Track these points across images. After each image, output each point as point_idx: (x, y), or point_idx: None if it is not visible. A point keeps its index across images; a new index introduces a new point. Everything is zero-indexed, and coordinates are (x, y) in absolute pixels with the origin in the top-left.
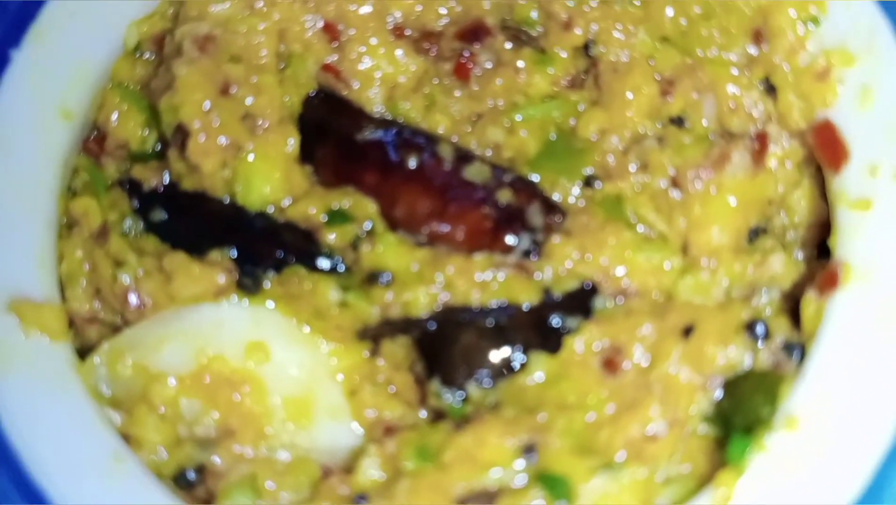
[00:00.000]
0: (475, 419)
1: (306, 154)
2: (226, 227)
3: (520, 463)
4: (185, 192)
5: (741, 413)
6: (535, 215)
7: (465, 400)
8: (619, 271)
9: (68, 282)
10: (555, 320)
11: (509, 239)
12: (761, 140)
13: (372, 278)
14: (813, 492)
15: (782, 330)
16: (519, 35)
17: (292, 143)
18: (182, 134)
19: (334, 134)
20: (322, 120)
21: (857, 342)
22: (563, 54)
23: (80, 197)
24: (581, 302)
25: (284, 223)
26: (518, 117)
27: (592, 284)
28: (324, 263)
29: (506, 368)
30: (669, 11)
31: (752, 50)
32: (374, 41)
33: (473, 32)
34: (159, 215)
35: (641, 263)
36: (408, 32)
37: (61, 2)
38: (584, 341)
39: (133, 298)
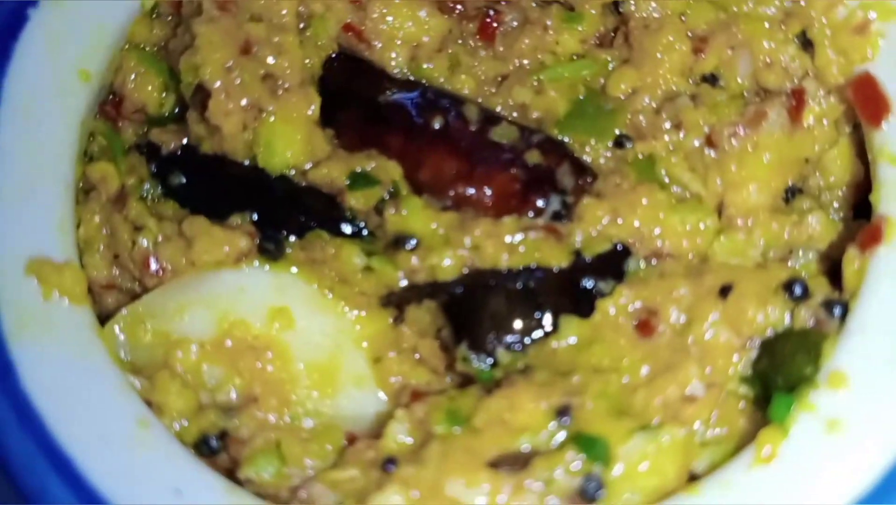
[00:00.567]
0: (506, 383)
1: (328, 117)
2: (246, 190)
3: (553, 426)
4: (205, 155)
5: (783, 373)
6: (565, 177)
7: (494, 365)
8: (653, 233)
9: (86, 248)
10: (587, 283)
11: (539, 201)
12: (798, 97)
13: (397, 243)
14: (857, 449)
15: (822, 289)
16: None
17: (314, 106)
18: (202, 94)
19: (356, 97)
20: (343, 83)
21: None
22: (593, 11)
23: (98, 162)
24: (613, 265)
25: (306, 187)
26: (546, 77)
27: (625, 247)
28: (347, 228)
29: (536, 332)
30: None
31: (788, 3)
32: (397, 0)
33: None
34: (178, 179)
35: (675, 224)
36: None
37: None
38: (616, 305)
39: (153, 264)
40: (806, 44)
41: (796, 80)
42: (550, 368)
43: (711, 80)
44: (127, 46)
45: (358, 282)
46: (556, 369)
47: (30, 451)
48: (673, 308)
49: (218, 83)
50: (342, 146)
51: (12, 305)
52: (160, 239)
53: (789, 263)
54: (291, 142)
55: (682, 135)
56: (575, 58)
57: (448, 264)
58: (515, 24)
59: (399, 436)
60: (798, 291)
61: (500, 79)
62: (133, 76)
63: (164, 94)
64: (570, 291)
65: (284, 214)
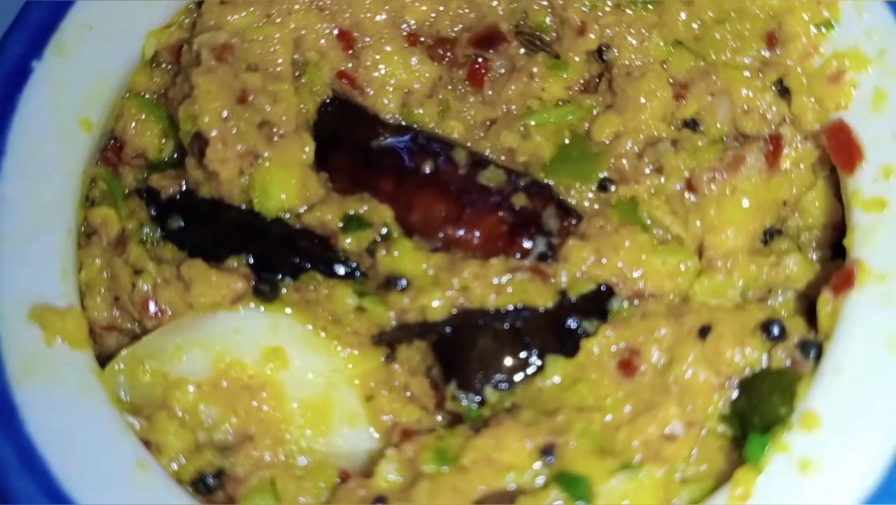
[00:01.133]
0: (493, 422)
1: (322, 161)
2: (243, 234)
3: (538, 465)
4: (203, 200)
5: (758, 412)
6: (550, 219)
7: (482, 404)
8: (635, 274)
9: (87, 291)
10: (572, 323)
11: (525, 243)
12: (775, 142)
13: (388, 284)
14: (829, 489)
15: (798, 330)
16: (533, 40)
17: (308, 150)
18: (200, 142)
19: (350, 141)
20: (337, 127)
21: (874, 340)
22: (577, 59)
23: (99, 206)
24: (597, 304)
25: (301, 229)
26: (532, 122)
27: (608, 287)
28: (340, 269)
29: (523, 372)
30: (683, 16)
31: (766, 53)
32: (388, 48)
33: (488, 38)
34: (177, 223)
35: (657, 265)
36: (422, 39)
37: (81, 14)
38: (600, 345)
39: (152, 306)
40: (783, 91)
41: (774, 126)
42: (536, 406)
43: (692, 125)
44: (128, 94)
45: (350, 322)
46: (541, 408)
47: (32, 493)
48: (654, 348)
49: (215, 132)
50: (336, 189)
51: (16, 349)
52: (159, 282)
53: (768, 303)
54: (286, 186)
55: (663, 179)
56: (560, 103)
57: (437, 305)
58: (503, 70)
59: (389, 475)
60: (776, 331)
61: (488, 123)
62: (133, 123)
63: (163, 140)
64: (555, 331)
65: (279, 257)
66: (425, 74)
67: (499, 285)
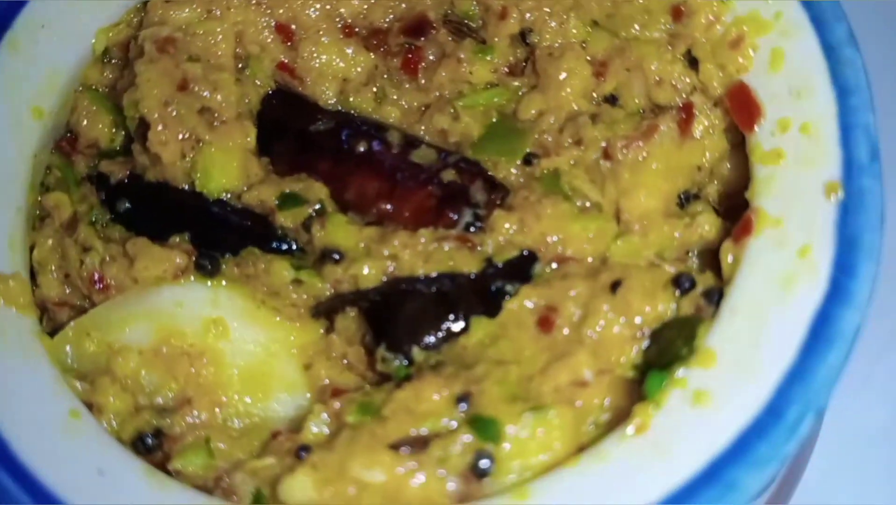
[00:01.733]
0: (416, 377)
1: (264, 148)
2: (186, 213)
3: (454, 413)
4: (149, 183)
5: (662, 356)
6: (478, 193)
7: (410, 364)
8: (556, 239)
9: (40, 269)
10: (496, 287)
11: (453, 215)
12: (687, 110)
13: (323, 257)
14: (719, 418)
15: (708, 282)
16: (460, 27)
17: (250, 138)
18: (143, 126)
19: (290, 128)
20: (279, 116)
21: (769, 280)
22: (501, 43)
23: (52, 192)
24: (521, 269)
25: (241, 209)
26: (462, 105)
27: (531, 252)
28: (277, 245)
29: (448, 333)
30: None
31: (673, 27)
32: (325, 40)
33: (418, 27)
34: (124, 205)
35: (577, 231)
36: (357, 31)
37: (34, 13)
38: (520, 304)
39: (98, 280)
40: (691, 62)
41: (685, 95)
42: (459, 362)
43: (611, 100)
44: (80, 88)
45: (288, 294)
46: (463, 363)
47: None
48: (571, 305)
49: (156, 115)
50: (276, 173)
51: None
52: (106, 259)
53: (684, 263)
54: (227, 169)
55: (581, 150)
56: (489, 86)
57: (368, 273)
58: (434, 58)
59: (315, 428)
60: (686, 284)
61: (423, 108)
62: (86, 115)
63: (114, 131)
64: (480, 295)
65: (220, 234)
66: (361, 64)
67: (426, 253)
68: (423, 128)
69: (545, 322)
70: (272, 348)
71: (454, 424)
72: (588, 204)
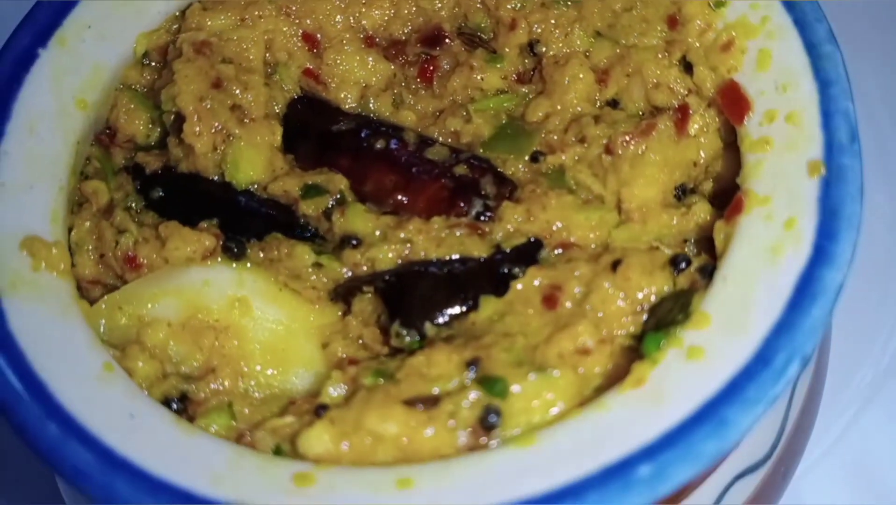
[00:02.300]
0: (427, 346)
1: (289, 147)
2: (215, 201)
3: (463, 376)
4: (181, 174)
5: (660, 323)
6: (488, 185)
7: (423, 339)
8: (561, 227)
9: (77, 249)
10: (504, 270)
11: (464, 205)
12: (683, 111)
13: (343, 242)
14: (711, 369)
15: (702, 261)
16: (473, 39)
17: (276, 136)
18: (179, 120)
19: (314, 129)
20: (304, 119)
21: (757, 250)
22: (511, 52)
23: (91, 180)
24: (528, 254)
25: (266, 198)
26: (473, 109)
27: (537, 239)
28: (300, 232)
29: (459, 308)
30: (597, 9)
31: (669, 34)
32: (348, 49)
33: (433, 38)
34: (157, 193)
35: (581, 220)
36: (377, 41)
37: (82, 14)
38: (527, 283)
39: (131, 260)
40: (687, 66)
41: (681, 97)
42: (468, 335)
43: (613, 104)
44: (121, 87)
45: (308, 277)
46: (472, 336)
47: (7, 376)
48: (574, 284)
49: (191, 108)
50: (300, 168)
51: (6, 269)
52: (140, 240)
53: (681, 249)
54: (255, 162)
55: (585, 147)
56: (499, 93)
57: (384, 256)
58: (448, 66)
59: (332, 391)
60: (682, 264)
61: (437, 113)
62: (125, 112)
63: (150, 127)
64: (490, 277)
65: (246, 221)
66: (381, 72)
67: (439, 238)
68: (437, 130)
69: (550, 299)
70: (292, 327)
71: (464, 384)
72: (591, 196)
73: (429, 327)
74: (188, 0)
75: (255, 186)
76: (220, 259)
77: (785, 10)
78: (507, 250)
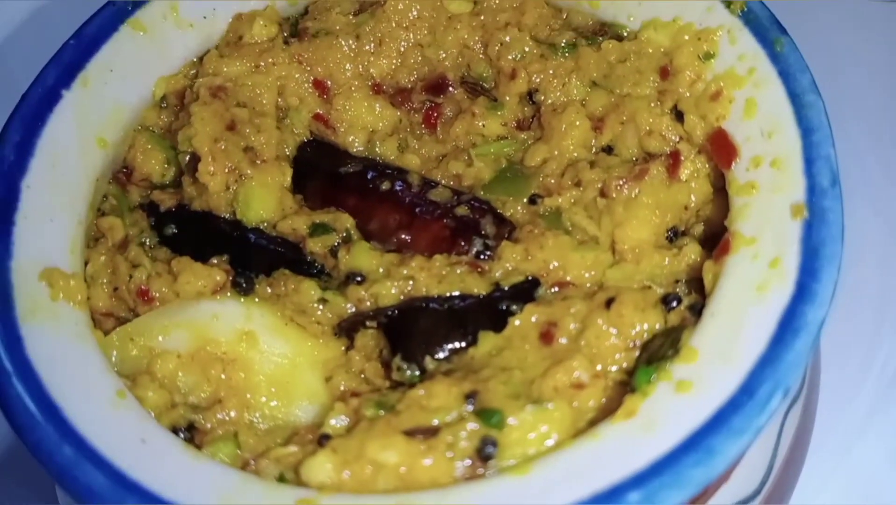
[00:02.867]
0: (427, 379)
1: (298, 188)
2: (225, 238)
3: (462, 408)
4: (194, 212)
5: (651, 358)
6: (487, 226)
7: (423, 373)
8: (557, 266)
9: (91, 282)
10: (503, 307)
11: (465, 244)
12: (675, 157)
13: (348, 279)
14: (698, 401)
15: (692, 300)
16: (475, 87)
17: (286, 177)
18: (194, 160)
19: (323, 170)
20: (313, 161)
21: (743, 288)
22: (511, 101)
23: (107, 216)
24: (525, 292)
25: (275, 236)
26: (475, 153)
27: (535, 278)
28: (307, 268)
29: (458, 345)
30: (593, 60)
31: (662, 84)
32: (356, 96)
33: (438, 87)
34: (171, 230)
35: (577, 260)
36: (384, 88)
37: (105, 57)
38: (524, 319)
39: (144, 293)
40: (678, 115)
41: (673, 144)
42: (467, 369)
43: (608, 150)
44: (139, 128)
45: (314, 312)
46: (470, 370)
47: (26, 401)
48: (570, 320)
49: (206, 149)
50: (308, 207)
51: (26, 297)
52: (153, 274)
53: (673, 290)
54: (266, 201)
55: (580, 190)
56: (500, 139)
57: (387, 292)
58: (451, 113)
59: (335, 422)
60: (674, 303)
61: (440, 158)
62: (142, 152)
63: (166, 167)
64: (489, 313)
65: (256, 257)
66: (387, 118)
67: (440, 276)
68: (440, 173)
69: (546, 335)
70: (297, 360)
71: (463, 416)
72: (586, 237)
73: (429, 361)
74: (206, 46)
75: (265, 224)
76: (229, 294)
77: (770, 61)
78: (506, 288)
